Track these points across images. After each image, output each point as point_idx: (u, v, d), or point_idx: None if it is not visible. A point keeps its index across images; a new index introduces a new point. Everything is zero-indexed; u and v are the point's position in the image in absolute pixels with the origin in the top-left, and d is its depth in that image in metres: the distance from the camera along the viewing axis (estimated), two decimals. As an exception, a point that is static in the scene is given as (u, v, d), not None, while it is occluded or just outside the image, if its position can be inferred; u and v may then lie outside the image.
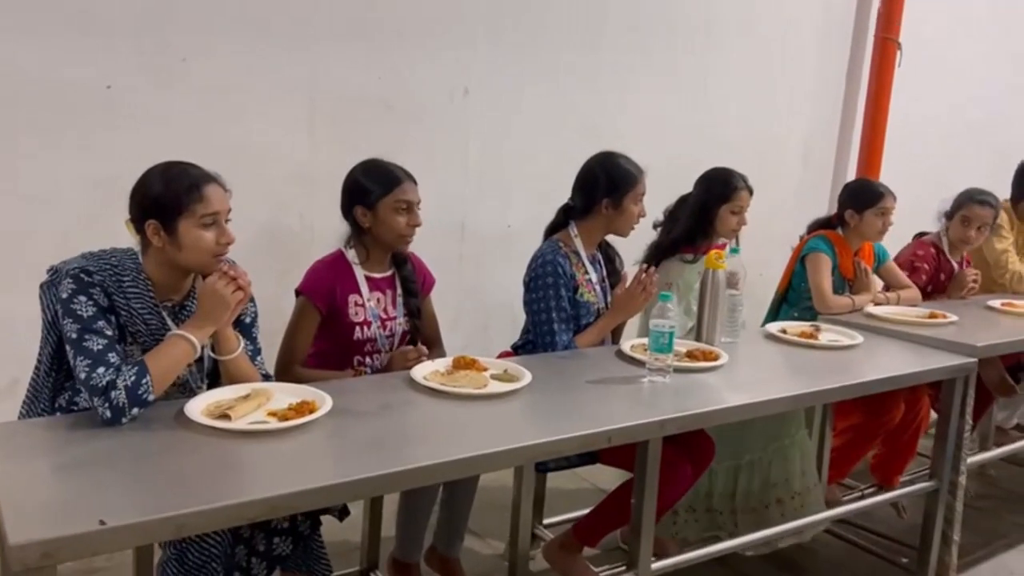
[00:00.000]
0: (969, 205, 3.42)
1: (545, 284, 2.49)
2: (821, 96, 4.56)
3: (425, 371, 2.12)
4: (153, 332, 1.87)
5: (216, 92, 3.01)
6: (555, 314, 2.48)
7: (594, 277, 2.61)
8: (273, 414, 1.78)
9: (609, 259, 2.73)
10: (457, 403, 1.97)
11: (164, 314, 1.89)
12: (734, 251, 2.73)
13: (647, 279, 2.52)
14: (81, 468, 1.50)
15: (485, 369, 2.17)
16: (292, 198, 3.24)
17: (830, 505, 2.89)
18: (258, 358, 2.08)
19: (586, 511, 2.75)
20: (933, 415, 3.11)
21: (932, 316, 3.01)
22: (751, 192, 2.92)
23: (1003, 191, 3.77)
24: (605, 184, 2.56)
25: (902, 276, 3.37)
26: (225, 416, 1.74)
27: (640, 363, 2.29)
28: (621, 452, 2.12)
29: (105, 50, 2.79)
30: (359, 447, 1.71)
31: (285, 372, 2.27)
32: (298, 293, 2.33)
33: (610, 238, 2.72)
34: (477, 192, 3.63)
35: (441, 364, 2.19)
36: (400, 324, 2.42)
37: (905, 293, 3.28)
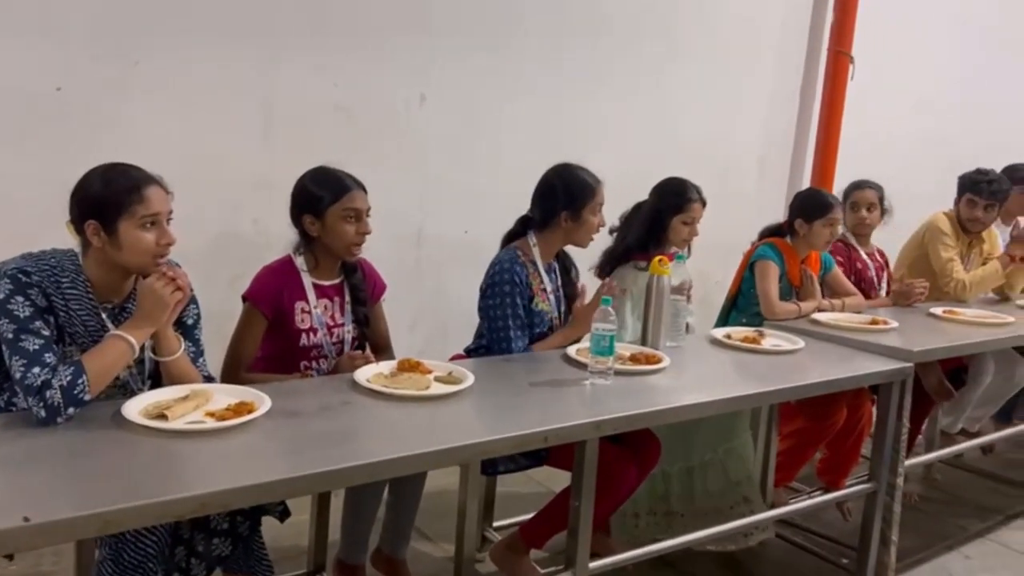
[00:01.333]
0: (852, 193, 3.55)
1: (502, 291, 2.52)
2: (777, 108, 4.65)
3: (369, 373, 2.14)
4: (92, 333, 1.87)
5: (170, 96, 3.02)
6: (511, 320, 2.52)
7: (549, 287, 2.65)
8: (211, 414, 1.80)
9: (565, 269, 2.76)
10: (398, 405, 1.99)
11: (104, 315, 1.89)
12: (680, 258, 2.79)
13: (609, 294, 2.54)
14: (11, 466, 1.50)
15: (430, 372, 2.19)
16: (246, 203, 3.25)
17: (776, 507, 2.95)
18: (200, 360, 2.10)
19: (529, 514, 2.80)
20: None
21: (874, 322, 3.08)
22: (704, 204, 2.98)
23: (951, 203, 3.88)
24: (564, 197, 2.60)
25: (847, 284, 3.44)
26: (162, 416, 1.75)
27: (584, 366, 2.33)
28: (568, 454, 2.15)
29: (56, 52, 2.79)
30: (295, 446, 1.73)
31: (231, 377, 2.27)
32: (245, 298, 2.34)
33: (568, 247, 2.76)
34: (435, 198, 3.66)
35: (386, 367, 2.21)
36: (348, 331, 2.43)
37: (850, 300, 3.36)
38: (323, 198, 2.30)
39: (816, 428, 3.07)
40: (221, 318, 2.35)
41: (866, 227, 3.56)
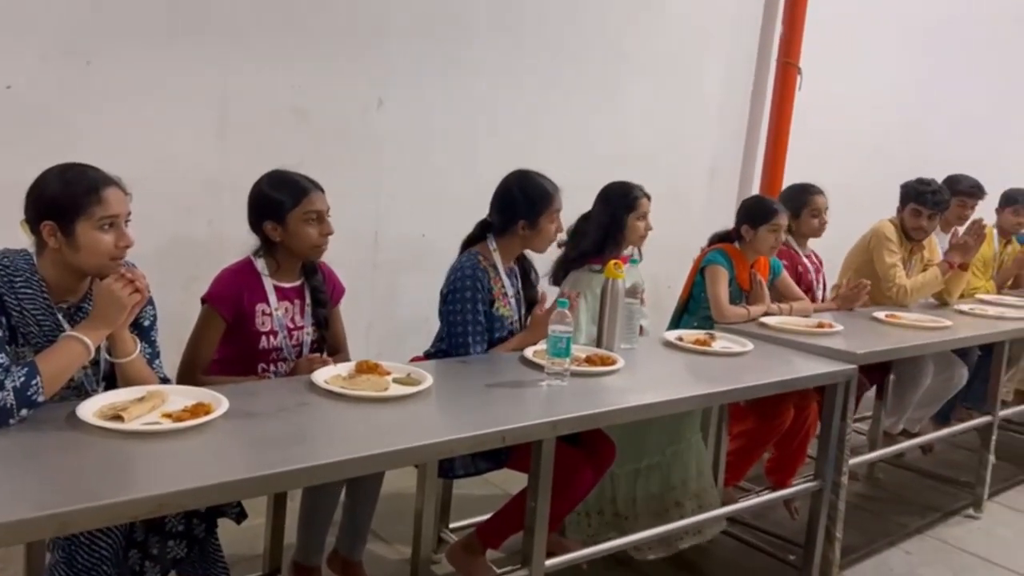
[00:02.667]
0: (813, 198, 3.62)
1: (463, 297, 2.55)
2: (727, 117, 4.76)
3: (327, 375, 2.15)
4: (46, 334, 1.85)
5: (123, 95, 2.99)
6: (470, 327, 2.54)
7: (510, 291, 2.68)
8: (167, 415, 1.79)
9: (525, 274, 2.80)
10: (356, 406, 2.00)
11: (59, 316, 1.87)
12: (634, 262, 2.85)
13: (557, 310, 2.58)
14: (-38, 468, 1.49)
15: (388, 373, 2.21)
16: (201, 205, 3.22)
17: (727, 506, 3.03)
18: (156, 361, 2.08)
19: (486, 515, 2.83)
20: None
21: (820, 326, 3.18)
22: (649, 198, 3.06)
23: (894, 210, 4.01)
24: (521, 204, 2.64)
25: (795, 288, 3.54)
26: (117, 417, 1.74)
27: (541, 368, 2.36)
28: (527, 457, 2.18)
29: (6, 49, 2.74)
30: (253, 447, 1.73)
31: (187, 379, 2.26)
32: (204, 301, 2.33)
33: (528, 253, 2.80)
34: (391, 202, 3.67)
35: (344, 368, 2.22)
36: (307, 334, 2.44)
37: (797, 304, 3.45)
38: (283, 202, 2.30)
39: (765, 428, 3.16)
40: (175, 320, 2.34)
41: (822, 231, 3.66)
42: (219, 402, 1.86)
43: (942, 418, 4.16)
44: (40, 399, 1.71)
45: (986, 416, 3.67)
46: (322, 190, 2.37)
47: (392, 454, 1.76)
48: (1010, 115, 6.41)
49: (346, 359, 2.50)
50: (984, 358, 3.99)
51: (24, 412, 1.68)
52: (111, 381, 2.01)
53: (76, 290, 1.94)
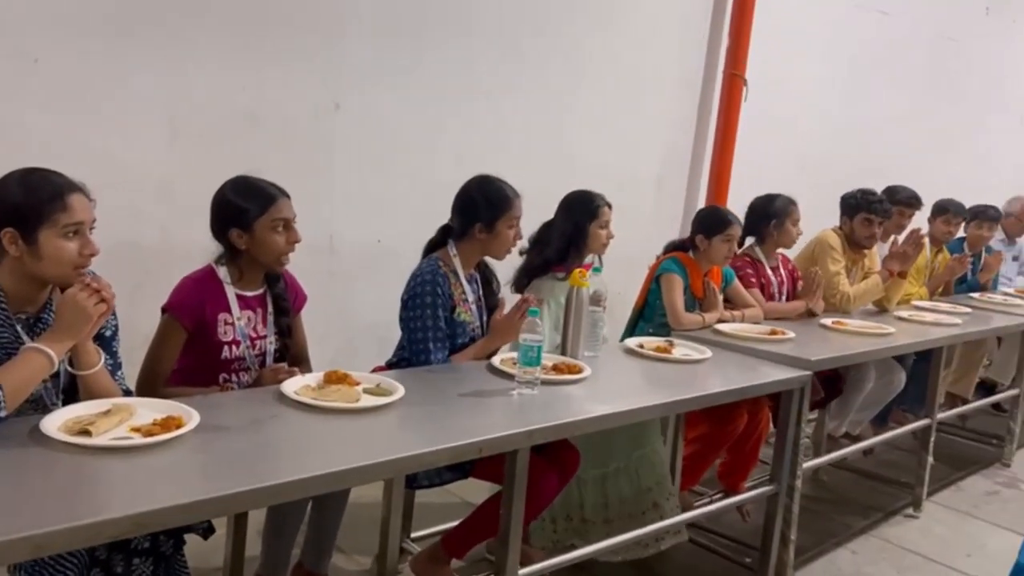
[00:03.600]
0: (791, 208, 3.73)
1: (423, 302, 2.53)
2: (675, 128, 4.84)
3: (296, 385, 2.11)
4: (4, 346, 1.78)
5: (70, 97, 2.89)
6: (431, 332, 2.53)
7: (471, 297, 2.67)
8: (136, 430, 1.74)
9: (487, 280, 2.79)
10: (329, 417, 1.98)
11: (18, 327, 1.80)
12: (596, 270, 2.88)
13: (527, 307, 2.59)
14: (-74, 488, 1.42)
15: (357, 383, 2.18)
16: (151, 210, 3.13)
17: (684, 510, 3.07)
18: (119, 373, 2.02)
19: (454, 524, 2.81)
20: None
21: (773, 333, 3.26)
22: (610, 207, 3.11)
23: (838, 219, 4.14)
24: (480, 208, 2.63)
25: (747, 296, 3.62)
26: (85, 432, 1.68)
27: (510, 376, 2.37)
28: (493, 465, 2.18)
29: (-53, 46, 2.63)
30: (229, 462, 1.69)
31: (147, 390, 2.19)
32: (164, 310, 2.26)
33: (489, 260, 2.79)
34: (346, 208, 3.63)
35: (312, 379, 2.19)
36: (270, 343, 2.39)
37: (749, 312, 3.53)
38: (249, 210, 2.25)
39: (719, 433, 3.22)
40: (124, 331, 2.26)
41: (794, 241, 3.78)
42: (189, 415, 1.81)
43: (880, 421, 4.31)
44: (2, 414, 1.64)
45: (925, 419, 3.82)
46: (288, 197, 2.33)
47: (373, 467, 1.74)
48: (940, 130, 6.69)
49: (308, 369, 2.46)
50: (918, 363, 4.15)
51: (-14, 428, 1.61)
52: (69, 394, 1.94)
53: (35, 300, 1.87)
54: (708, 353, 2.89)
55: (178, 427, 1.75)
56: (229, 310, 2.29)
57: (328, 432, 1.91)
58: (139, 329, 2.35)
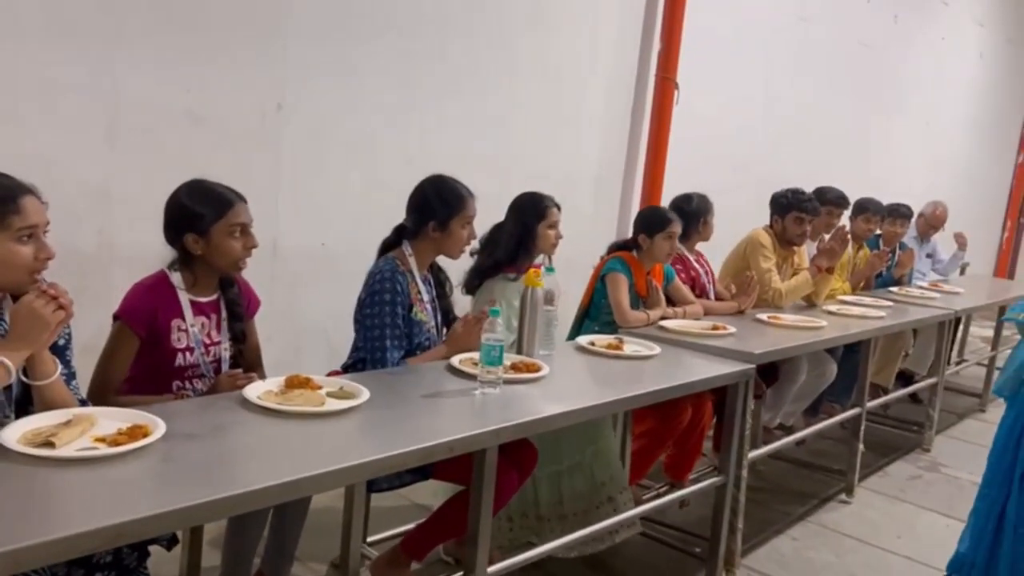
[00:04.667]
0: (709, 205, 3.87)
1: (382, 300, 2.52)
2: (610, 132, 4.93)
3: (258, 391, 2.08)
4: (-45, 356, 1.70)
5: (1, 95, 2.77)
6: (388, 331, 2.52)
7: (426, 297, 2.67)
8: (101, 440, 1.69)
9: (440, 282, 2.80)
10: (295, 422, 1.95)
11: (-32, 337, 1.73)
12: (549, 270, 2.92)
13: (482, 323, 2.59)
14: None
15: (319, 387, 2.16)
16: (89, 214, 3.03)
17: (634, 504, 3.14)
18: (73, 382, 1.96)
19: (407, 527, 2.82)
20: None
21: (715, 328, 3.36)
22: (559, 208, 3.15)
23: (765, 221, 4.29)
24: (434, 206, 2.64)
25: (688, 293, 3.73)
26: (48, 444, 1.62)
27: (470, 376, 2.39)
28: (454, 466, 2.19)
29: None
30: (202, 469, 1.66)
31: (99, 400, 2.12)
32: (116, 317, 2.20)
33: (443, 261, 2.80)
34: (290, 210, 3.57)
35: (273, 384, 2.16)
36: (224, 349, 2.35)
37: (690, 308, 3.64)
38: (205, 215, 2.21)
39: (666, 427, 3.30)
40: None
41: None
42: (155, 424, 1.77)
43: (812, 411, 4.49)
44: (-43, 427, 1.57)
45: (855, 408, 3.99)
46: (245, 201, 2.30)
47: (346, 470, 1.74)
48: (858, 132, 7.00)
49: (263, 375, 2.43)
50: (844, 355, 4.34)
51: (-58, 443, 1.54)
52: (21, 405, 1.87)
53: (-15, 308, 1.79)
54: (657, 349, 2.96)
55: (145, 436, 1.71)
56: (183, 316, 2.24)
57: (297, 437, 1.89)
58: (78, 338, 2.26)
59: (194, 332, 2.26)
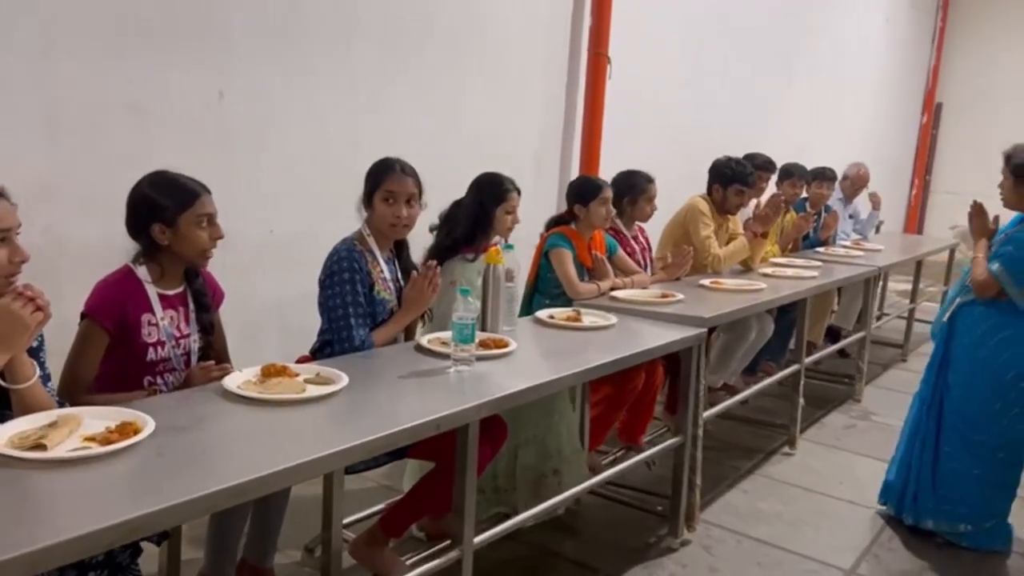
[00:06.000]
0: (647, 187, 3.91)
1: (341, 280, 2.54)
2: (548, 108, 4.98)
3: (237, 381, 2.09)
4: (-70, 363, 1.67)
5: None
6: (351, 309, 2.54)
7: (388, 276, 2.70)
8: (91, 439, 1.69)
9: (405, 268, 2.80)
10: (279, 410, 1.98)
11: (-56, 343, 1.69)
12: (508, 247, 2.97)
13: (432, 273, 2.65)
14: None
15: (296, 375, 2.19)
16: (32, 211, 2.89)
17: (593, 469, 3.26)
18: (48, 384, 1.93)
19: (377, 508, 2.89)
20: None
21: (664, 296, 3.48)
22: (519, 192, 3.20)
23: (699, 187, 4.44)
24: (368, 183, 2.69)
25: (631, 263, 3.84)
26: (39, 447, 1.61)
27: (440, 355, 2.44)
28: (428, 444, 2.23)
29: None
30: (198, 461, 1.70)
31: (70, 400, 2.10)
32: (83, 315, 2.16)
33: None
34: (238, 199, 3.51)
35: (250, 373, 2.17)
36: (194, 341, 2.34)
37: (637, 278, 3.75)
38: (170, 206, 2.19)
39: (621, 393, 3.41)
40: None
41: (651, 215, 3.98)
42: (143, 420, 1.77)
43: (749, 371, 4.69)
44: (-57, 435, 1.55)
45: (795, 365, 4.19)
46: (210, 192, 2.29)
47: (338, 454, 1.77)
48: (786, 100, 7.23)
49: (230, 365, 2.43)
50: (778, 316, 4.53)
51: (-70, 451, 1.52)
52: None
53: (-42, 313, 1.75)
54: (614, 320, 3.06)
55: (135, 432, 1.71)
56: (152, 310, 2.22)
57: (285, 424, 1.92)
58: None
59: (164, 326, 2.24)
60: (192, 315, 2.34)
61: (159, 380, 2.27)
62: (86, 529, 1.35)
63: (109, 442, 1.66)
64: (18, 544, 1.27)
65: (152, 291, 2.23)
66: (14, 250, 1.74)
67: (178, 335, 2.29)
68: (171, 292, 2.29)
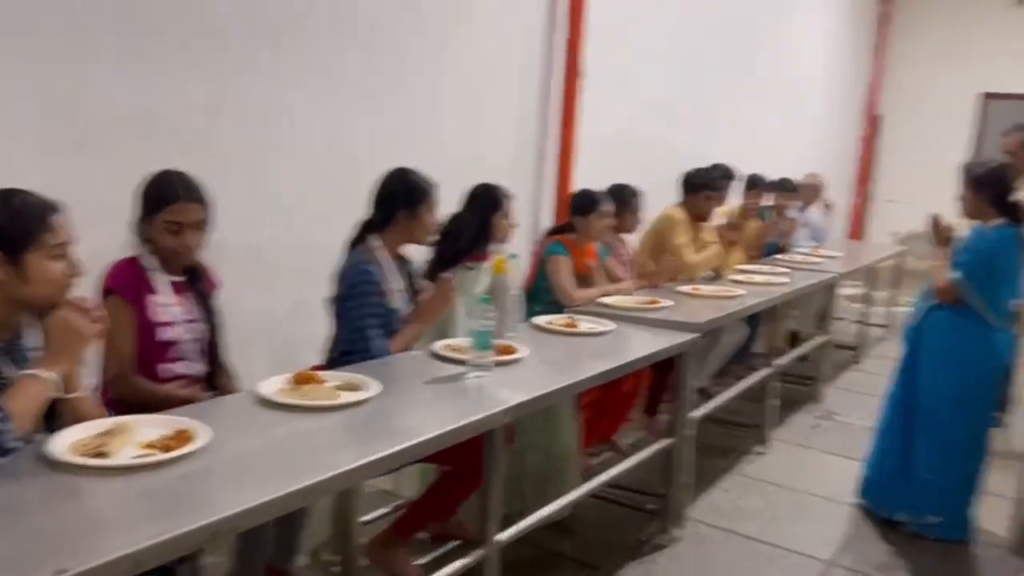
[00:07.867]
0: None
1: (362, 291, 2.62)
2: (523, 120, 5.07)
3: (271, 388, 2.15)
4: (-12, 373, 1.70)
5: None
6: (371, 320, 2.62)
7: (399, 286, 2.77)
8: (151, 446, 1.73)
9: (410, 275, 2.89)
10: (318, 416, 2.04)
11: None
12: (514, 257, 3.08)
13: (447, 287, 2.75)
14: None
15: (324, 381, 2.24)
16: None
17: (585, 470, 3.37)
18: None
19: (382, 511, 2.99)
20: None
21: (652, 302, 3.61)
22: (511, 198, 3.32)
23: (665, 198, 4.61)
24: (402, 196, 2.76)
25: (618, 271, 3.98)
26: (101, 454, 1.66)
27: (456, 362, 2.52)
28: (443, 448, 2.32)
29: None
30: (260, 468, 1.75)
31: (121, 382, 2.21)
32: (107, 292, 2.24)
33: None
34: (228, 211, 3.52)
35: (281, 380, 2.22)
36: (202, 326, 2.42)
37: (623, 285, 3.89)
38: (144, 209, 2.34)
39: (611, 397, 3.55)
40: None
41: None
42: (197, 427, 1.81)
43: (719, 374, 4.87)
44: (12, 445, 1.58)
45: (766, 368, 4.38)
46: (194, 201, 2.40)
47: (392, 456, 1.85)
48: (741, 114, 7.47)
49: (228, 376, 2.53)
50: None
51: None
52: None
53: (8, 326, 1.78)
54: (612, 326, 3.17)
55: (189, 440, 1.76)
56: (157, 292, 2.32)
57: (328, 430, 1.98)
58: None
59: (172, 308, 2.32)
60: (196, 303, 2.43)
61: (173, 368, 2.33)
62: (183, 528, 1.41)
63: (169, 449, 1.71)
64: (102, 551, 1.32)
65: (158, 276, 2.32)
66: (71, 263, 1.77)
67: (187, 318, 2.37)
68: (175, 279, 2.38)
